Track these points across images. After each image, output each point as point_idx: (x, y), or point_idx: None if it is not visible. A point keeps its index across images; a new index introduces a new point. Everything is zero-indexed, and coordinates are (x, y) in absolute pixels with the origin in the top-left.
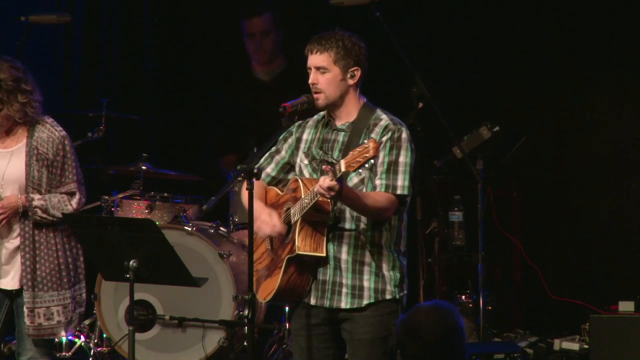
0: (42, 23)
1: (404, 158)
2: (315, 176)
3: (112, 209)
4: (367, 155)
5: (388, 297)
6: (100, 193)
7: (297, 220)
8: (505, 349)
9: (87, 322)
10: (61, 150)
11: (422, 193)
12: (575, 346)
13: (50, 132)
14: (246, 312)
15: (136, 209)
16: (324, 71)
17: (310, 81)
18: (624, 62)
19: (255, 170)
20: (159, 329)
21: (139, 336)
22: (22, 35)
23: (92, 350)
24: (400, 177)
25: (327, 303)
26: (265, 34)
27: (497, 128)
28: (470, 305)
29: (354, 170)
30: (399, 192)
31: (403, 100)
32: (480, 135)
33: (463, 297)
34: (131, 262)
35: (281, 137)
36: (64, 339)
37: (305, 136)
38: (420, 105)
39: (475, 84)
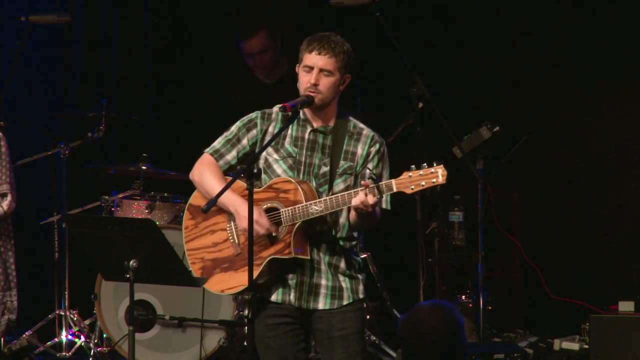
0: (42, 23)
1: (387, 172)
2: (290, 174)
3: (112, 209)
4: (434, 181)
5: (361, 296)
6: (100, 193)
7: (297, 224)
8: (505, 349)
9: (87, 322)
10: None
11: (422, 193)
12: (575, 346)
13: None
14: (246, 312)
15: (136, 209)
16: (328, 74)
17: (312, 81)
18: (624, 62)
19: (255, 170)
20: (159, 329)
21: (139, 336)
22: (22, 35)
23: (92, 350)
24: None
25: (304, 304)
26: (262, 52)
27: (497, 128)
28: (470, 305)
29: (412, 194)
30: (384, 206)
31: (403, 100)
32: (480, 135)
33: (463, 297)
34: (131, 262)
35: (241, 124)
36: (64, 339)
37: (271, 129)
38: (420, 105)
39: (475, 84)
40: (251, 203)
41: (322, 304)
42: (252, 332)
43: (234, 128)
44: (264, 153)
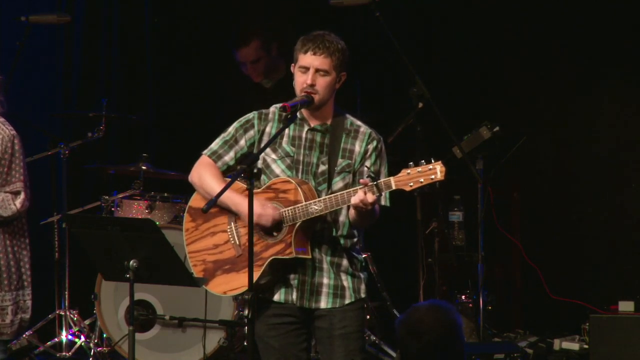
0: (42, 23)
1: (385, 169)
2: (289, 173)
3: (112, 209)
4: (432, 177)
5: (363, 295)
6: (100, 193)
7: (297, 223)
8: (505, 349)
9: (87, 322)
10: (10, 148)
11: (422, 193)
12: (575, 346)
13: (1, 129)
14: (246, 312)
15: (136, 209)
16: (324, 74)
17: (308, 81)
18: (624, 62)
19: (255, 170)
20: (159, 329)
21: (139, 336)
22: (22, 35)
23: (92, 350)
24: None
25: (306, 304)
26: (255, 62)
27: (497, 128)
28: (470, 305)
29: (411, 191)
30: (382, 203)
31: (403, 100)
32: (480, 135)
33: (463, 297)
34: (131, 262)
35: (239, 125)
36: (64, 339)
37: (268, 129)
38: (420, 105)
39: (475, 84)
40: (251, 203)
41: (324, 303)
42: (252, 332)
43: (231, 129)
44: (262, 153)
